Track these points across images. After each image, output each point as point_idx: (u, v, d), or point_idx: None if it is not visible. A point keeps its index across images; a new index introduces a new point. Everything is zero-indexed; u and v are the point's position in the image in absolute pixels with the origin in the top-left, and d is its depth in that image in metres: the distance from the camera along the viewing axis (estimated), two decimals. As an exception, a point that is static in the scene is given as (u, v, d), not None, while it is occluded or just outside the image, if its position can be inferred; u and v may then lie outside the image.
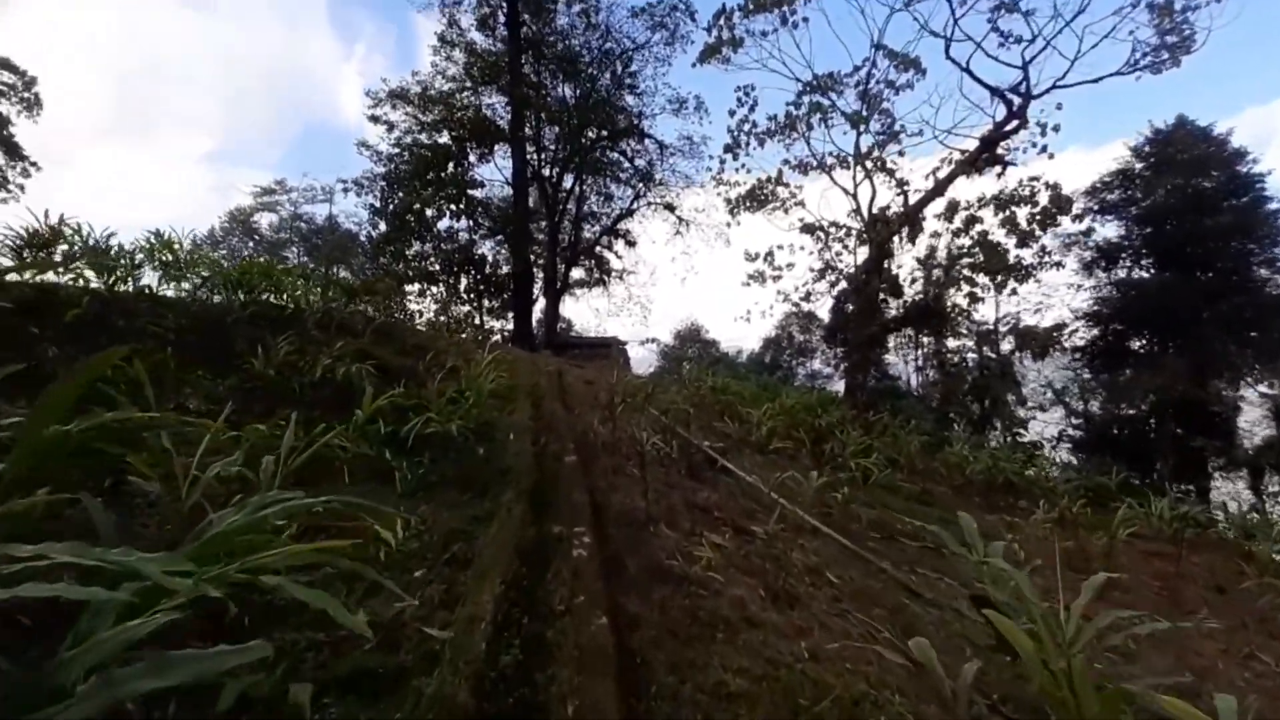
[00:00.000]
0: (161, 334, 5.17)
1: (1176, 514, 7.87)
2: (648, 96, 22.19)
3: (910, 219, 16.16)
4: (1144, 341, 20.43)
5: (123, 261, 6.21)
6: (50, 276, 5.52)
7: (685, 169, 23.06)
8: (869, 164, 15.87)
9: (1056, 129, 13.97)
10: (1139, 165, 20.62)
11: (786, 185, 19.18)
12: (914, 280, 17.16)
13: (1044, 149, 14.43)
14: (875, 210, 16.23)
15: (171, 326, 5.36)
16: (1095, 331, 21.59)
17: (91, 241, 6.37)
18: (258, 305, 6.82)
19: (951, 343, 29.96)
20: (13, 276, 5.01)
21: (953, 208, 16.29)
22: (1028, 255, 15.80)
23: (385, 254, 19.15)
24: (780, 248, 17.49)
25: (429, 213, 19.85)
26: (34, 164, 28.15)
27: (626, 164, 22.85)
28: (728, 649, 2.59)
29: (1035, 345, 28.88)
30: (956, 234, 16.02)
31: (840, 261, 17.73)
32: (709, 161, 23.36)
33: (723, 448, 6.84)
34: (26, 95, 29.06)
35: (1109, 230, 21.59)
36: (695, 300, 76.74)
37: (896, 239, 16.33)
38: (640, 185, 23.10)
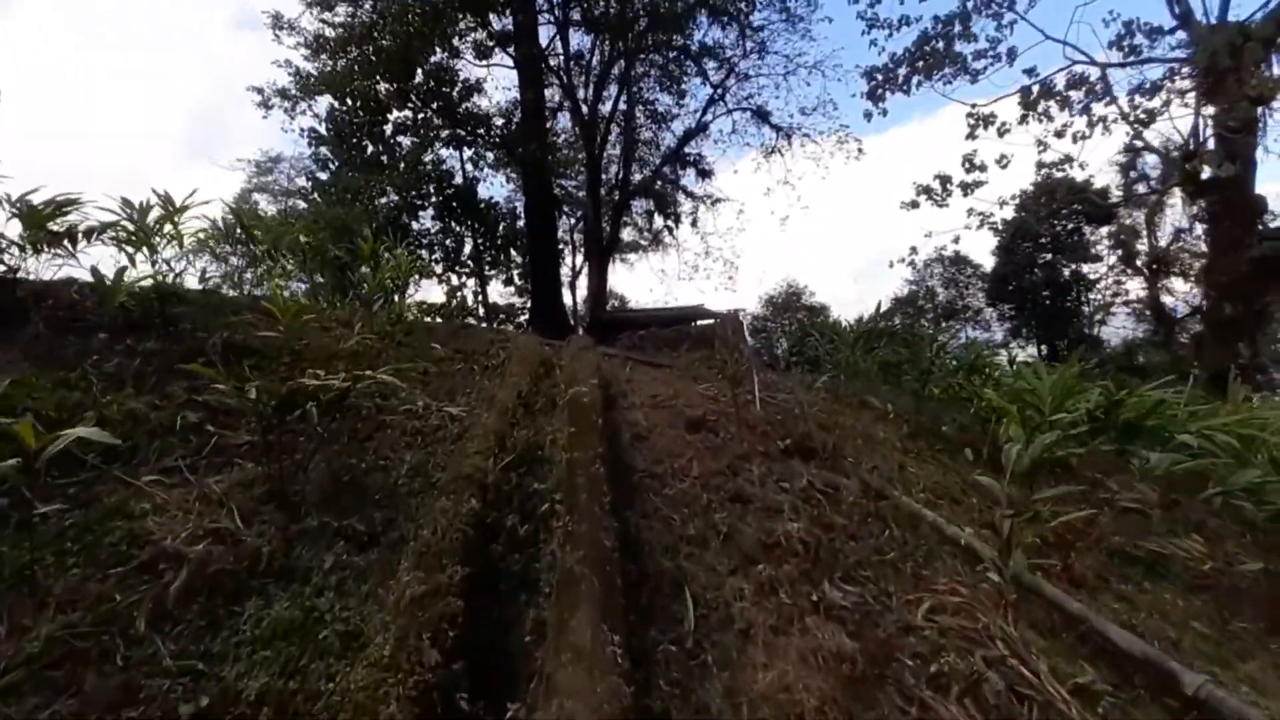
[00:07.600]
0: None
1: None
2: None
3: None
4: None
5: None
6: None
7: (783, 50, 15.32)
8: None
9: None
10: None
11: (974, 37, 11.47)
12: None
13: None
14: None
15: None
16: None
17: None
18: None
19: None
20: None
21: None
22: None
23: (344, 202, 12.49)
24: (999, 125, 9.74)
25: (403, 138, 13.07)
26: None
27: (689, 60, 15.35)
28: None
29: None
30: None
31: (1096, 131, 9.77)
32: (819, 40, 15.62)
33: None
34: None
35: None
36: (791, 254, 60.67)
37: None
38: (716, 83, 15.59)
